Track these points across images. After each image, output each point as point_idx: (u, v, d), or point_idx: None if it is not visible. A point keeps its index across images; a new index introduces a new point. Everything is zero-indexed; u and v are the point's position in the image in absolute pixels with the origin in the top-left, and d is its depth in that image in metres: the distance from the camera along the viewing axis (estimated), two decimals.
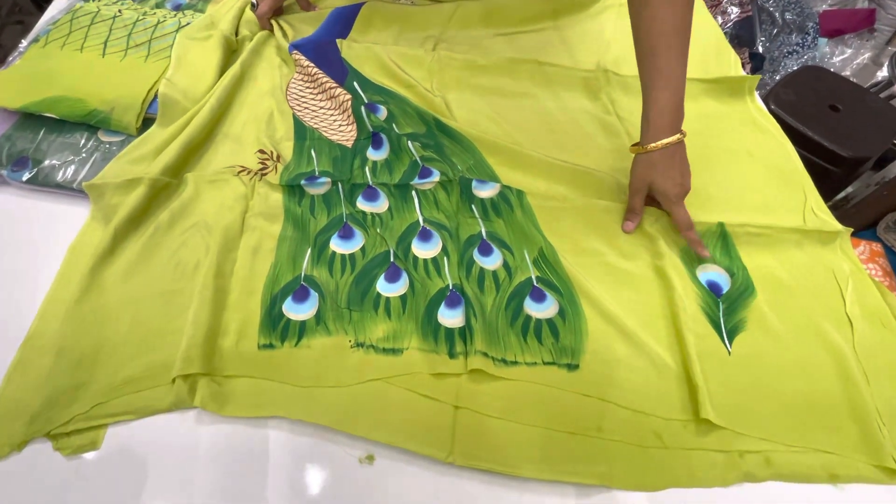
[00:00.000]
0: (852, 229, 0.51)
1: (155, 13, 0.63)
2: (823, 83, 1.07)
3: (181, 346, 0.39)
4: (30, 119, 0.54)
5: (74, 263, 0.44)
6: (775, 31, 1.34)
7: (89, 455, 0.37)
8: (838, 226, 0.52)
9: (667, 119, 0.47)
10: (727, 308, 0.46)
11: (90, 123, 0.53)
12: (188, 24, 0.62)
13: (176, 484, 0.36)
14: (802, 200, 0.54)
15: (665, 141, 0.47)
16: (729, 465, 0.38)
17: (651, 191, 0.49)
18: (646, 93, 0.48)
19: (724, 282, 0.48)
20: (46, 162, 0.51)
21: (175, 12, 0.65)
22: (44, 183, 0.50)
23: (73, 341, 0.40)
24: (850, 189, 1.07)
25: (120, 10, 0.63)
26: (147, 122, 0.55)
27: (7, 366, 0.39)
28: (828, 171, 0.96)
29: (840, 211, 1.01)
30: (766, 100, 1.01)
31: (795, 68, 1.25)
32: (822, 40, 1.37)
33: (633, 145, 0.50)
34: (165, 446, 0.37)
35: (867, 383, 0.42)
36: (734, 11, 1.36)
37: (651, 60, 0.47)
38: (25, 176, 0.50)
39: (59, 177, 0.50)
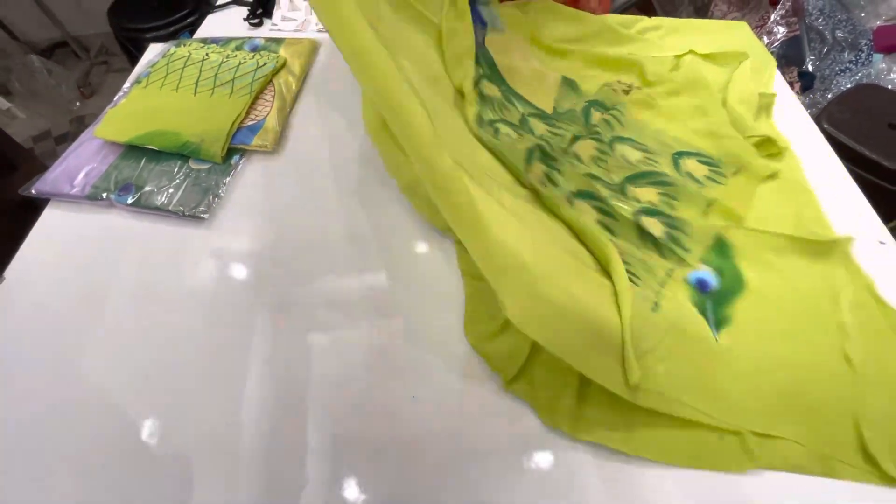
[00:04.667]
0: (853, 238, 0.51)
1: (236, 55, 0.71)
2: (880, 101, 1.04)
3: None
4: (132, 150, 0.62)
5: None
6: (825, 49, 1.31)
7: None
8: (838, 234, 0.52)
9: None
10: (713, 303, 0.47)
11: (183, 154, 0.60)
12: (265, 64, 0.69)
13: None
14: (800, 211, 0.54)
15: None
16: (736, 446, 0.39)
17: None
18: None
19: (712, 280, 0.49)
20: (147, 188, 0.58)
21: (253, 53, 0.72)
22: (145, 205, 0.56)
23: None
24: None
25: (207, 54, 0.71)
26: (230, 152, 0.61)
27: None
28: (887, 192, 0.92)
29: None
30: (818, 119, 1.00)
31: (849, 86, 1.22)
32: (878, 56, 1.33)
33: None
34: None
35: (854, 386, 0.42)
36: (781, 31, 1.35)
37: None
38: (130, 200, 0.57)
39: (158, 201, 0.57)
